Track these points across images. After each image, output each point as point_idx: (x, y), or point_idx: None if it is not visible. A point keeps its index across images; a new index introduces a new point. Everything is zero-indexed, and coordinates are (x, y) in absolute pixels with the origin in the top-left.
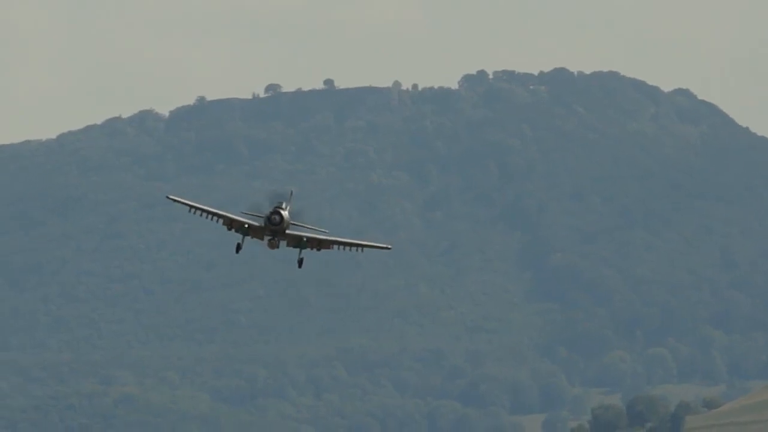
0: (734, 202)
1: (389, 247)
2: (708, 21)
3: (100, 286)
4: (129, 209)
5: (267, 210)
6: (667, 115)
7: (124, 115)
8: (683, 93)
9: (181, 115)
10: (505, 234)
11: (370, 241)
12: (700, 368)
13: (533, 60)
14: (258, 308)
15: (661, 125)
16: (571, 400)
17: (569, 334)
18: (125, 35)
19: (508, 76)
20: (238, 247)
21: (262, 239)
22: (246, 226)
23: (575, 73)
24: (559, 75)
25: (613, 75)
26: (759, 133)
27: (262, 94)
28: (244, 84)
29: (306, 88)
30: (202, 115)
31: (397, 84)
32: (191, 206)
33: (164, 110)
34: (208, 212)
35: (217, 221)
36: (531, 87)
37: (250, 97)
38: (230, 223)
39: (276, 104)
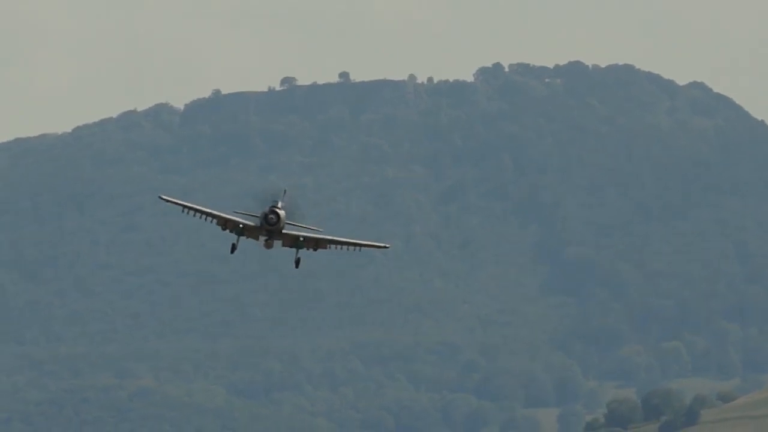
0: (749, 195)
1: (388, 246)
2: (723, 14)
3: (115, 280)
4: (144, 203)
5: (261, 210)
6: (683, 109)
7: (140, 109)
8: (698, 86)
9: (197, 108)
10: (520, 227)
11: (371, 241)
12: (715, 362)
13: (549, 53)
14: (273, 302)
15: (677, 119)
16: (586, 394)
17: (584, 327)
18: (141, 29)
19: (524, 69)
20: (233, 248)
21: (257, 239)
22: (241, 226)
23: (590, 66)
24: (575, 68)
25: (629, 68)
26: None
27: (277, 88)
28: (260, 77)
29: (321, 81)
30: (217, 108)
31: (412, 77)
32: (184, 206)
33: (179, 104)
34: (202, 212)
35: (212, 221)
36: (546, 80)
37: (265, 90)
38: (224, 224)
39: (291, 97)
